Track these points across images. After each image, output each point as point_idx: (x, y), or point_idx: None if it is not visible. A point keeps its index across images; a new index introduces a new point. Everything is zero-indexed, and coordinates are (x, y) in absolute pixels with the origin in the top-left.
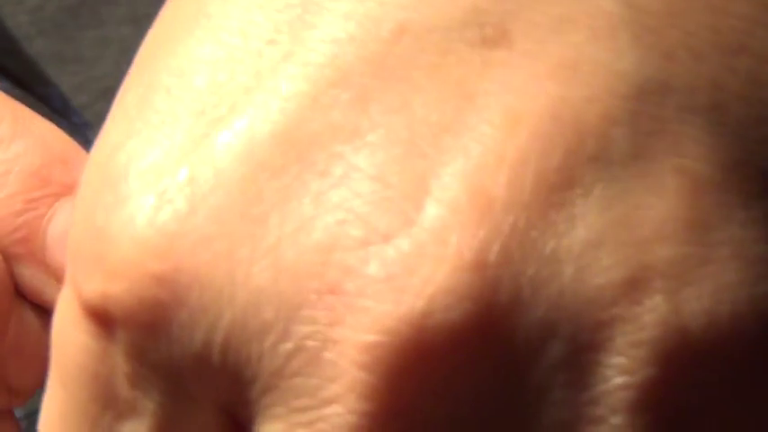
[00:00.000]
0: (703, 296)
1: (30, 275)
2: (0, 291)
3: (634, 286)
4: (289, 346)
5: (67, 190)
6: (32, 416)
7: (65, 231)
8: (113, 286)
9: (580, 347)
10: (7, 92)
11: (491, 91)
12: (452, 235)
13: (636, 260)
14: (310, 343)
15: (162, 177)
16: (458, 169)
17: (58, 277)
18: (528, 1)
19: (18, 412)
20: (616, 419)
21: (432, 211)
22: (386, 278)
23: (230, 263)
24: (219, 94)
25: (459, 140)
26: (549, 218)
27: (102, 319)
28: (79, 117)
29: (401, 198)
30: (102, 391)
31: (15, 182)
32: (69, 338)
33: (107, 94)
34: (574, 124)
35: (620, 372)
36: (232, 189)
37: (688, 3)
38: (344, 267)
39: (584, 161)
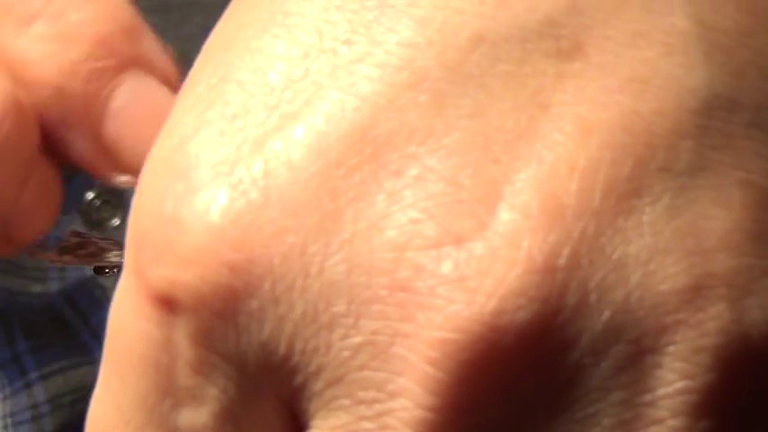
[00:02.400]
0: (765, 306)
1: (81, 144)
2: (22, 143)
3: (698, 293)
4: (358, 339)
5: (131, 62)
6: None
7: (125, 106)
8: (184, 273)
9: (643, 351)
10: None
11: (565, 101)
12: (524, 239)
13: (701, 268)
14: (380, 337)
15: (235, 169)
16: (530, 176)
17: (107, 151)
18: (603, 16)
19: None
20: (675, 422)
21: (504, 216)
22: (458, 278)
23: (304, 256)
24: (294, 90)
25: (532, 148)
26: (617, 225)
27: (169, 305)
28: None
29: (474, 201)
30: (161, 380)
31: (81, 49)
32: (130, 327)
33: None
34: (644, 136)
35: (681, 376)
36: (306, 184)
37: (759, 23)
38: (416, 266)
39: (654, 171)
